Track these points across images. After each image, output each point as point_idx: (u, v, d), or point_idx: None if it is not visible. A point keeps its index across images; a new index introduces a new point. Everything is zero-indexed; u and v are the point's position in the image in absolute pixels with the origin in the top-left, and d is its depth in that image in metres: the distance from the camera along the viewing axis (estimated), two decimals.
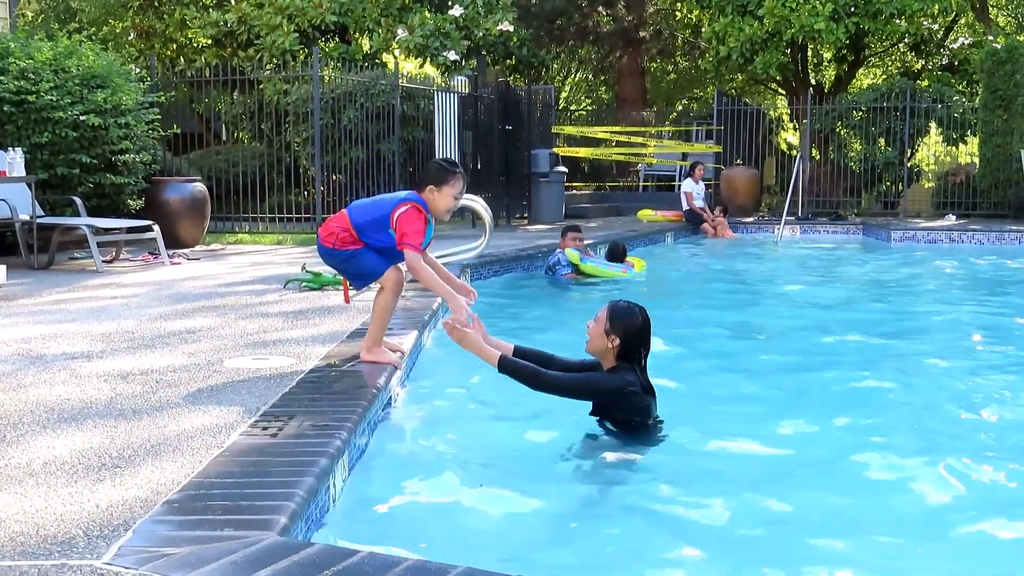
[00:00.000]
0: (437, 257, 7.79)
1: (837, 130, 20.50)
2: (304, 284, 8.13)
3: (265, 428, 3.86)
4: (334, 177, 15.10)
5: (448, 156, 15.33)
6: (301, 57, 16.14)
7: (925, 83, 21.39)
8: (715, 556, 3.37)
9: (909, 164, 20.12)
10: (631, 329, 4.58)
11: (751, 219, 18.83)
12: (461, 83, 16.52)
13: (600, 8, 26.39)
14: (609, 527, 3.65)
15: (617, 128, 22.69)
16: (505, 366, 4.58)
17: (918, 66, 23.32)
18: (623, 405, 4.59)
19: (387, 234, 5.07)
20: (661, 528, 3.63)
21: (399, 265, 5.22)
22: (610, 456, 4.38)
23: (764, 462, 4.41)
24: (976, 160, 19.93)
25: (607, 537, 3.56)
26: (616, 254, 11.44)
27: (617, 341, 4.57)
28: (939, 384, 5.93)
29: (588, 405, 4.71)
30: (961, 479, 4.14)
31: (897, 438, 4.68)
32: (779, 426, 4.93)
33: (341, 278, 8.05)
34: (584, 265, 10.71)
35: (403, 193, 5.26)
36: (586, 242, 11.12)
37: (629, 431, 4.59)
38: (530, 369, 4.59)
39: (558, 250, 10.88)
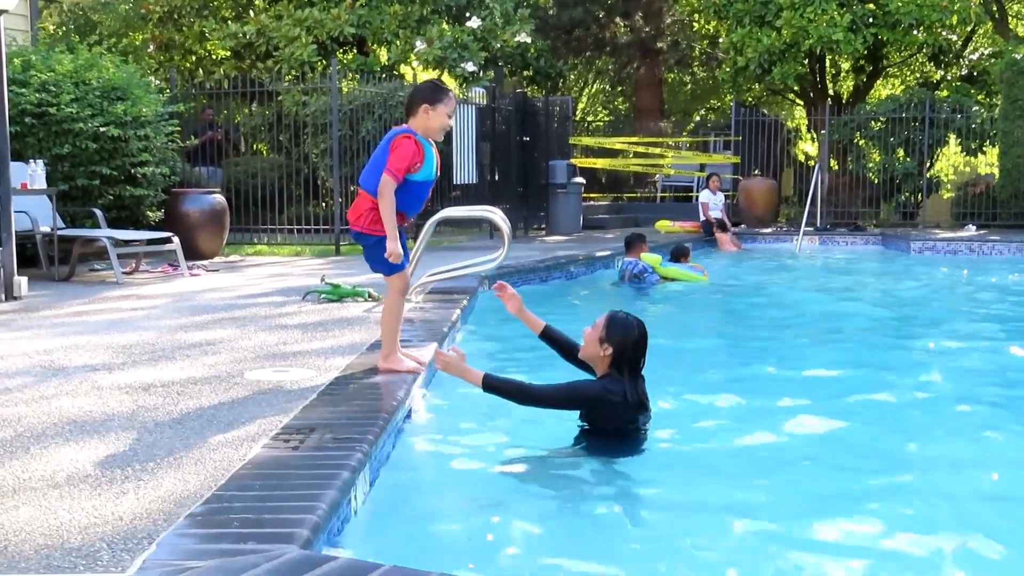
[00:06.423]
0: (455, 269, 7.89)
1: (855, 140, 20.43)
2: (323, 296, 8.14)
3: (287, 440, 3.86)
4: (352, 188, 15.13)
5: (468, 168, 15.35)
6: (319, 68, 16.20)
7: (944, 93, 21.28)
8: (703, 564, 3.36)
9: (928, 175, 20.02)
10: (626, 341, 4.56)
11: (769, 230, 18.78)
12: (479, 94, 16.55)
13: (618, 19, 26.39)
14: (631, 539, 3.63)
15: (635, 139, 22.67)
16: (489, 386, 4.61)
17: (937, 76, 23.23)
18: (603, 414, 4.57)
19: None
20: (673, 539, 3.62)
21: (405, 272, 5.23)
22: (624, 469, 4.36)
23: (753, 471, 4.40)
24: (995, 171, 19.82)
25: (627, 549, 3.54)
26: (679, 254, 11.60)
27: (610, 351, 4.56)
28: (958, 396, 5.88)
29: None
30: (961, 489, 4.15)
31: (911, 467, 4.52)
32: (778, 441, 4.88)
33: (360, 289, 8.12)
34: (665, 269, 10.86)
35: (392, 131, 5.17)
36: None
37: (626, 440, 4.56)
38: (514, 386, 4.63)
39: (632, 259, 10.97)
